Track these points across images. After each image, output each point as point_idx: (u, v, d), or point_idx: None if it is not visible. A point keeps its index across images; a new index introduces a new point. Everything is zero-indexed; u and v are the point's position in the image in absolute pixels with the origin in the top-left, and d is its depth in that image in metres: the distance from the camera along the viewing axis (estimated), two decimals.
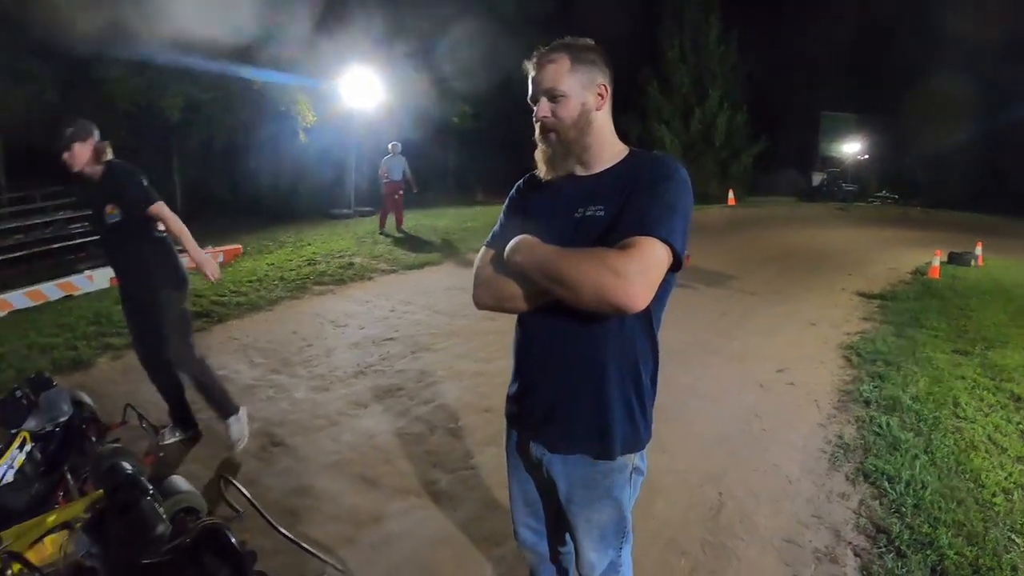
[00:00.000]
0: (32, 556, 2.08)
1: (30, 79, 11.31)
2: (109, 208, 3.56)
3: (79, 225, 12.20)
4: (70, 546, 2.26)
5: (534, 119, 1.65)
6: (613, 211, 1.54)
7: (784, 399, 4.83)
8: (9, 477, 2.93)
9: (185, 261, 3.88)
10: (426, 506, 3.27)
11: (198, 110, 13.92)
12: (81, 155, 3.52)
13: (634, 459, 1.72)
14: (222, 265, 9.54)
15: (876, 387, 4.93)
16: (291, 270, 8.95)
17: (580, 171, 1.67)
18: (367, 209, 16.23)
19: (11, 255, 11.13)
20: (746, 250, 12.15)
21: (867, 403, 4.66)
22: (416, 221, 13.88)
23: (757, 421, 4.39)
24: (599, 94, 1.63)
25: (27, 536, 2.51)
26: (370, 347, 5.88)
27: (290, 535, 2.41)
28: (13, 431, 3.14)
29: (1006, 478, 3.58)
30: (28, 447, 3.07)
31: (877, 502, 3.34)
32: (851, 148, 28.74)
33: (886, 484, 3.46)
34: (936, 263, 10.22)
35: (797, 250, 12.76)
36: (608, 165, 1.65)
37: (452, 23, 17.42)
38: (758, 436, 4.17)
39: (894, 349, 5.90)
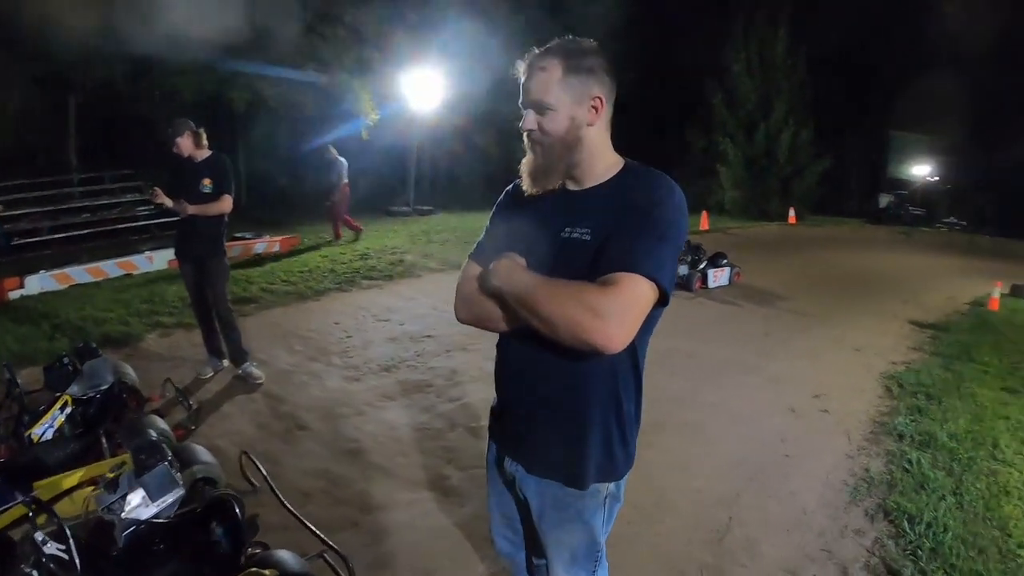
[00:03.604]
0: (60, 508, 2.25)
1: (101, 66, 11.77)
2: (206, 181, 4.63)
3: (145, 208, 12.65)
4: (93, 502, 2.43)
5: (520, 127, 1.56)
6: (599, 236, 1.47)
7: (815, 426, 4.71)
8: (48, 435, 3.18)
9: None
10: (433, 500, 3.35)
11: (263, 104, 14.30)
12: (185, 145, 4.61)
13: (609, 487, 1.66)
14: (278, 255, 9.89)
15: (912, 421, 4.76)
16: (342, 263, 9.16)
17: (570, 185, 1.59)
18: (426, 208, 16.53)
19: (78, 232, 11.73)
20: (801, 270, 11.82)
21: (900, 437, 4.49)
22: (475, 222, 13.86)
23: (782, 446, 4.29)
24: (593, 107, 1.51)
25: (56, 488, 2.72)
26: (407, 343, 5.99)
27: (297, 514, 2.54)
28: (57, 394, 3.39)
29: None
30: (69, 409, 3.30)
31: (893, 542, 3.21)
32: (920, 170, 27.71)
33: (905, 524, 3.33)
34: (996, 295, 9.75)
35: (854, 273, 12.37)
36: (600, 181, 1.56)
37: (518, 26, 17.49)
38: (780, 462, 4.08)
39: (938, 382, 5.68)
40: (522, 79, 1.54)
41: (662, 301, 1.43)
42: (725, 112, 23.32)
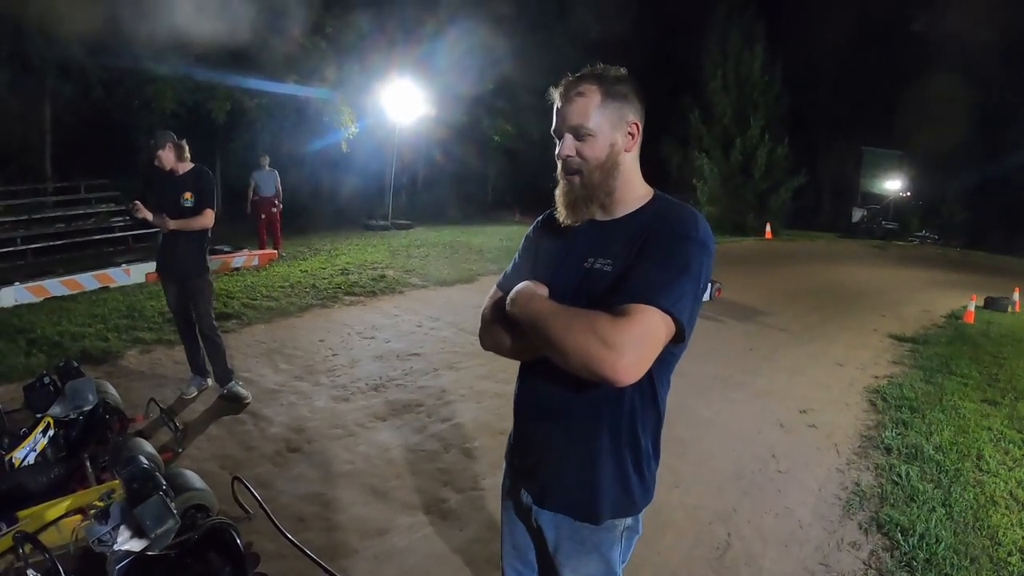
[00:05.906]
0: (45, 538, 2.15)
1: (77, 75, 11.59)
2: (187, 195, 4.50)
3: (120, 219, 12.44)
4: (82, 532, 2.33)
5: (556, 156, 1.52)
6: (621, 266, 1.43)
7: (804, 441, 4.74)
8: (31, 460, 3.04)
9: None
10: (432, 523, 3.29)
11: (243, 115, 14.18)
12: (167, 158, 4.53)
13: (626, 521, 1.61)
14: (256, 268, 9.76)
15: (899, 434, 4.83)
16: (323, 279, 9.06)
17: (599, 215, 1.55)
18: (404, 222, 16.41)
19: (52, 243, 11.45)
20: (779, 285, 11.93)
21: (888, 450, 4.56)
22: (453, 237, 13.94)
23: (774, 462, 4.32)
24: (629, 133, 1.50)
25: (42, 518, 2.60)
26: (394, 361, 5.91)
27: (295, 541, 2.47)
28: (39, 415, 3.26)
29: None
30: (51, 432, 3.17)
31: (888, 554, 3.26)
32: (892, 185, 28.41)
33: (899, 536, 3.38)
34: (971, 307, 10.00)
35: (831, 287, 12.57)
36: (628, 211, 1.53)
37: (496, 42, 17.61)
38: (773, 477, 4.10)
39: (921, 395, 5.78)
40: (557, 105, 1.51)
41: (679, 337, 1.38)
42: (701, 128, 23.65)
